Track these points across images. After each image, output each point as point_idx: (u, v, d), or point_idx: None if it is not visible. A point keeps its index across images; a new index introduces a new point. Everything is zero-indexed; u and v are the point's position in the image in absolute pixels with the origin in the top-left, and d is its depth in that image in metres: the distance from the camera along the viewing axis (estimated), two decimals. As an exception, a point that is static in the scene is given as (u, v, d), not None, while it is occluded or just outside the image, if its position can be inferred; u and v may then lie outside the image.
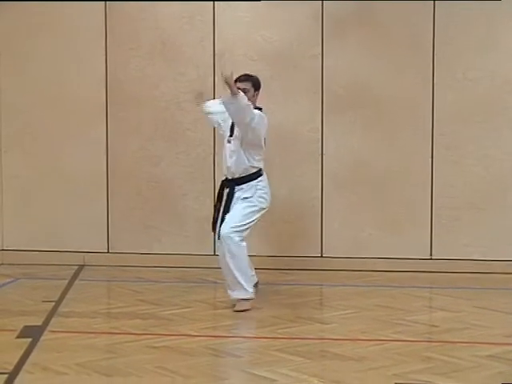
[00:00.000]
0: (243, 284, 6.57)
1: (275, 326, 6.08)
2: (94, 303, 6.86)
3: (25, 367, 5.00)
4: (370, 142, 8.18)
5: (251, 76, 6.75)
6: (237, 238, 6.53)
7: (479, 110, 8.06)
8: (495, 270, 8.00)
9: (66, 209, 8.45)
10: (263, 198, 6.74)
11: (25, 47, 8.45)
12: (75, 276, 7.97)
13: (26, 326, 5.96)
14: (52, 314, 6.41)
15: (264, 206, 6.73)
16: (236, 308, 6.54)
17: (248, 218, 6.62)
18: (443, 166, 8.13)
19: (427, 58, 8.06)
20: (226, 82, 6.23)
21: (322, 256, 8.28)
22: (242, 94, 6.33)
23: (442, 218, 8.15)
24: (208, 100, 7.21)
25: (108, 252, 8.49)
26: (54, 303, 6.74)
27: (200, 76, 8.28)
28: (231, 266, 6.53)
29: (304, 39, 8.18)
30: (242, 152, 6.64)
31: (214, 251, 7.92)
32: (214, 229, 6.79)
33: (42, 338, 5.70)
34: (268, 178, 6.83)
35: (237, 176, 6.69)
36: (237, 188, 6.69)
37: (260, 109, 6.67)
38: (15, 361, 5.09)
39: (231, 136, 6.71)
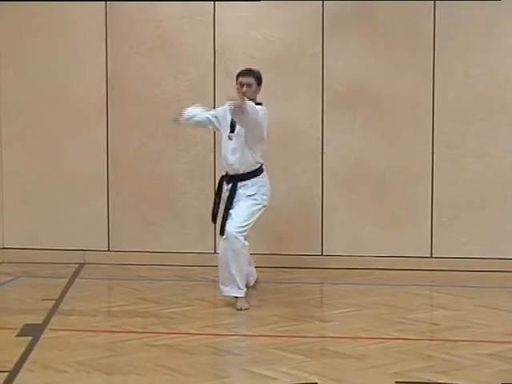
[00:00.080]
0: (238, 282, 6.57)
1: (275, 324, 6.08)
2: (95, 301, 6.86)
3: (25, 365, 5.01)
4: (370, 140, 8.18)
5: (254, 71, 6.74)
6: (242, 238, 6.53)
7: (479, 107, 8.06)
8: (496, 268, 8.00)
9: (66, 207, 8.45)
10: (266, 195, 6.75)
11: (25, 47, 8.45)
12: (75, 274, 7.97)
13: (26, 325, 5.96)
14: (52, 312, 6.41)
15: (266, 203, 6.74)
16: (237, 306, 6.54)
17: (253, 216, 6.63)
18: (443, 164, 8.13)
19: (427, 56, 8.06)
20: (235, 104, 6.27)
21: (322, 254, 8.28)
22: (251, 107, 6.31)
23: (442, 216, 8.15)
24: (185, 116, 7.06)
25: (108, 250, 8.49)
26: (54, 301, 6.74)
27: (200, 74, 8.28)
28: (231, 263, 6.54)
29: (304, 38, 8.18)
30: (246, 149, 6.62)
31: (215, 249, 7.92)
32: (214, 220, 6.82)
33: (43, 336, 5.70)
34: (268, 176, 6.84)
35: (241, 172, 6.67)
36: (239, 184, 6.67)
37: (260, 104, 6.67)
38: (16, 359, 5.09)
39: (232, 132, 6.70)
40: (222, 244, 6.64)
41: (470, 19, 8.05)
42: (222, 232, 6.60)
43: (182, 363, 5.06)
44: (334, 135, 8.20)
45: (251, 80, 6.65)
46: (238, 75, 6.70)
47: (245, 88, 6.62)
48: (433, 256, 8.18)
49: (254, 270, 7.21)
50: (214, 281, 7.14)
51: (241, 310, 6.50)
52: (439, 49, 8.04)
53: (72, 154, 8.44)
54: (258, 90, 6.73)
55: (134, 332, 5.83)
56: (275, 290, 7.31)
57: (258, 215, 6.67)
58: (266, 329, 5.96)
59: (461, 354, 5.23)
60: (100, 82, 8.38)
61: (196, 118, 6.97)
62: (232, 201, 6.64)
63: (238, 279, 6.56)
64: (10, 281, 7.71)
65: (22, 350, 5.31)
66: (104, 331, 5.93)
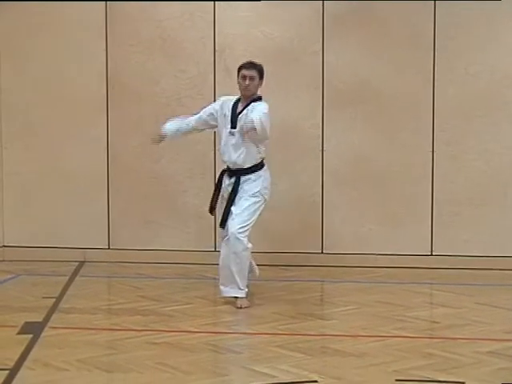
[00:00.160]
0: (238, 282, 6.54)
1: (276, 322, 6.08)
2: (95, 299, 6.86)
3: (26, 363, 5.01)
4: (370, 137, 8.18)
5: (256, 64, 6.67)
6: (245, 240, 6.49)
7: (479, 104, 8.06)
8: (496, 265, 8.00)
9: (66, 205, 8.45)
10: (267, 188, 6.70)
11: (25, 46, 8.44)
12: (76, 272, 7.97)
13: (26, 322, 5.96)
14: (53, 310, 6.41)
15: (267, 197, 6.69)
16: (237, 305, 6.53)
17: (255, 214, 6.58)
18: (444, 161, 8.13)
19: (428, 55, 8.05)
20: (246, 128, 6.37)
21: (322, 252, 8.28)
22: (261, 126, 6.34)
23: (443, 213, 8.15)
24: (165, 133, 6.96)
25: (108, 248, 8.49)
26: (54, 299, 6.74)
27: (201, 72, 8.28)
28: (232, 264, 6.51)
29: (304, 36, 8.18)
30: (251, 145, 6.58)
31: (215, 247, 7.93)
32: (211, 212, 6.80)
33: (43, 334, 5.71)
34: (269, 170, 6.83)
35: (246, 167, 6.61)
36: (243, 178, 6.59)
37: (260, 98, 6.65)
38: (16, 357, 5.09)
39: (234, 128, 6.62)
40: (223, 245, 6.60)
41: (470, 19, 8.05)
42: (223, 224, 6.55)
43: (182, 361, 5.07)
44: (335, 133, 8.20)
45: (254, 73, 6.58)
46: (241, 68, 6.62)
47: (247, 81, 6.56)
48: (433, 254, 8.18)
49: (255, 266, 7.13)
50: (214, 279, 7.15)
51: (241, 308, 6.50)
52: (439, 48, 8.04)
53: (72, 152, 8.44)
54: (260, 84, 6.66)
55: (134, 330, 5.84)
56: (275, 287, 7.31)
57: (259, 212, 6.65)
58: (266, 327, 5.97)
59: (461, 352, 5.24)
60: (100, 81, 8.38)
61: (181, 131, 6.89)
62: (235, 197, 6.57)
63: (238, 280, 6.53)
64: (10, 279, 7.72)
65: (23, 347, 5.31)
66: (104, 329, 5.93)
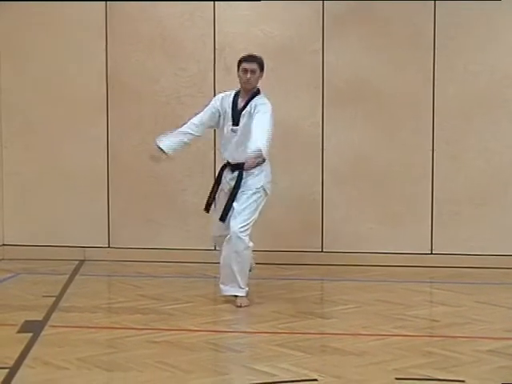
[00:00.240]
0: (239, 281, 6.53)
1: (276, 320, 6.08)
2: (95, 298, 6.86)
3: (26, 362, 5.01)
4: (370, 136, 8.18)
5: (257, 56, 6.64)
6: (246, 239, 6.47)
7: (479, 103, 8.07)
8: (496, 264, 8.00)
9: (66, 204, 8.46)
10: (270, 182, 6.65)
11: (25, 46, 8.44)
12: (76, 271, 7.98)
13: (26, 321, 5.96)
14: (53, 308, 6.41)
15: (269, 191, 6.66)
16: (237, 303, 6.53)
17: (256, 213, 6.55)
18: (444, 160, 8.13)
19: (428, 54, 8.06)
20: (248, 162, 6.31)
21: (322, 251, 8.28)
22: (266, 153, 6.30)
23: (443, 212, 8.15)
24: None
25: (108, 247, 8.50)
26: (54, 298, 6.75)
27: (201, 71, 8.28)
28: (233, 264, 6.49)
29: (305, 35, 8.18)
30: None
31: (215, 246, 7.92)
32: (207, 209, 6.73)
33: (43, 332, 5.71)
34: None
35: None
36: (245, 173, 6.53)
37: (259, 91, 6.60)
38: (16, 355, 5.09)
39: (236, 125, 6.58)
40: (224, 244, 6.57)
41: (470, 19, 8.06)
42: (223, 218, 6.51)
43: (183, 360, 5.07)
44: (335, 132, 8.21)
45: (255, 66, 6.55)
46: (241, 61, 6.57)
47: (249, 75, 6.52)
48: (433, 252, 8.18)
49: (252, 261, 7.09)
50: (215, 277, 7.15)
51: (241, 306, 6.50)
52: (439, 48, 8.04)
53: (72, 151, 8.44)
54: (260, 77, 6.62)
55: (134, 328, 5.84)
56: (275, 286, 7.31)
57: (260, 209, 6.61)
58: (266, 325, 5.97)
59: (460, 351, 5.24)
60: (100, 80, 8.38)
61: (184, 140, 6.72)
62: (237, 191, 6.50)
63: (239, 279, 6.52)
64: (10, 277, 7.72)
65: (23, 346, 5.31)
66: (104, 328, 5.93)
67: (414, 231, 8.18)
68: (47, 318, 6.12)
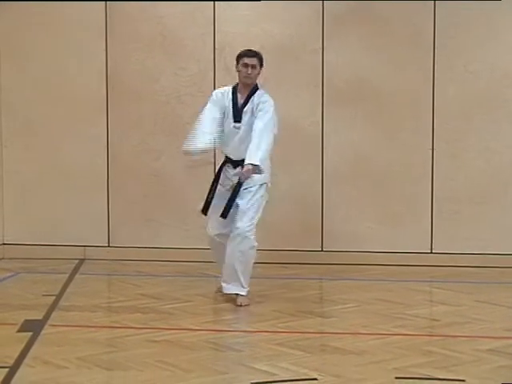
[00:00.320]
0: (241, 281, 6.52)
1: (275, 320, 6.08)
2: (95, 297, 6.86)
3: (25, 361, 5.01)
4: (370, 136, 8.18)
5: (257, 52, 6.61)
6: (252, 237, 6.45)
7: (479, 103, 8.07)
8: (496, 263, 8.00)
9: (66, 203, 8.46)
10: (270, 175, 6.61)
11: (25, 46, 8.44)
12: (76, 270, 7.98)
13: (26, 320, 5.96)
14: (52, 307, 6.41)
15: (270, 184, 6.63)
16: (237, 302, 6.53)
17: (259, 211, 6.52)
18: (444, 159, 8.13)
19: (428, 54, 8.06)
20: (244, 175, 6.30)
21: (322, 250, 8.29)
22: (259, 166, 6.27)
23: (443, 211, 8.15)
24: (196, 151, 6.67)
25: (108, 246, 8.50)
26: (54, 297, 6.75)
27: (201, 70, 8.28)
28: (237, 263, 6.48)
29: (304, 34, 8.18)
30: None
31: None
32: (205, 211, 6.66)
33: (43, 331, 5.71)
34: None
35: None
36: None
37: (257, 86, 6.56)
38: (16, 355, 5.09)
39: (239, 122, 6.52)
40: (228, 243, 6.53)
41: (470, 18, 8.06)
42: (225, 214, 6.46)
43: (182, 359, 5.07)
44: (334, 131, 8.21)
45: (255, 61, 6.52)
46: (242, 56, 6.53)
47: (250, 70, 6.49)
48: (433, 252, 8.18)
49: None
50: (215, 276, 7.15)
51: (241, 305, 6.49)
52: (439, 47, 8.04)
53: (72, 150, 8.44)
54: (259, 73, 6.60)
55: (134, 328, 5.84)
56: (275, 285, 7.31)
57: (263, 206, 6.57)
58: (265, 324, 5.97)
59: (460, 350, 5.24)
60: (100, 80, 8.38)
61: (213, 138, 6.53)
62: (240, 187, 6.43)
63: (242, 278, 6.51)
64: (10, 276, 7.72)
65: (23, 345, 5.31)
66: (104, 327, 5.93)
67: (414, 231, 8.18)
68: (47, 317, 6.12)
